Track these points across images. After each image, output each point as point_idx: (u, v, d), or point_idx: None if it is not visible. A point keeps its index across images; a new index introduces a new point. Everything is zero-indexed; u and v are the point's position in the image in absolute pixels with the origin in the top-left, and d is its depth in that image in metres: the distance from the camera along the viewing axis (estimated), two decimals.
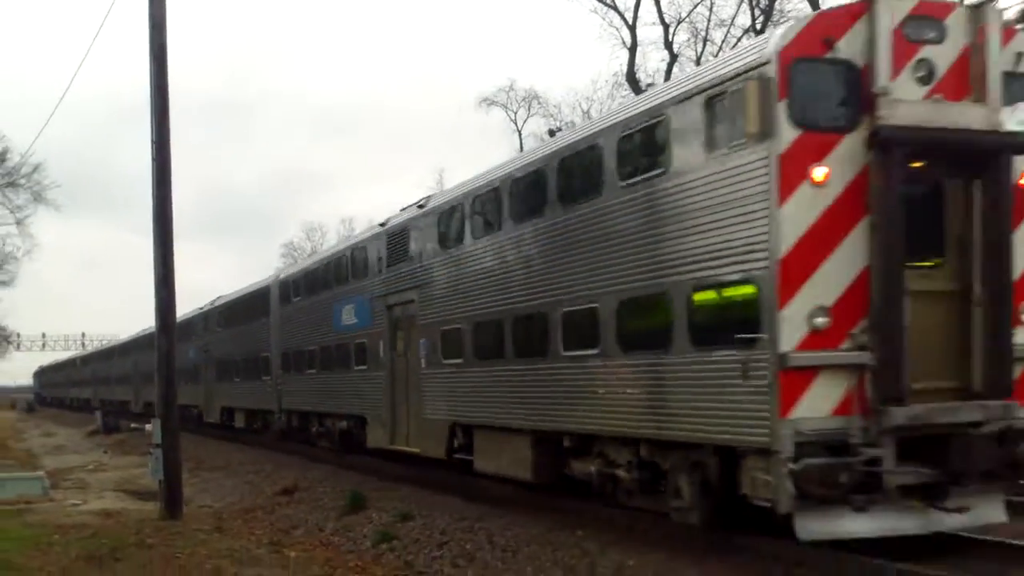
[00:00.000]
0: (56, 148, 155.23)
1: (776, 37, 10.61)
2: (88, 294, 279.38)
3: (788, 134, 10.24)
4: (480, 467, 17.82)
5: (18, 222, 63.60)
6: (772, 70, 10.25)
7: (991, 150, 10.47)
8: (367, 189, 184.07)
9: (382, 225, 22.72)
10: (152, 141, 18.94)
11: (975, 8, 10.70)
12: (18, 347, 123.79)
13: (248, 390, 34.80)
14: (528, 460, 16.03)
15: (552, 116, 60.00)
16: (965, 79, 10.63)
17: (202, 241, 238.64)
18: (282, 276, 31.56)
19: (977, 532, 11.41)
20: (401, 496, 20.25)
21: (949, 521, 10.77)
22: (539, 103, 58.62)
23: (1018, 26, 11.60)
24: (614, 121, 13.36)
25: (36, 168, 58.70)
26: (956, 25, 10.65)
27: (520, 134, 59.50)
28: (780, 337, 10.23)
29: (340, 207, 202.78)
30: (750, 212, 10.55)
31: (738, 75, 10.73)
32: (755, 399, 10.50)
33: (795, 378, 10.21)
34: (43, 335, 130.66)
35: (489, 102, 58.24)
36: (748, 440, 10.64)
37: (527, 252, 15.38)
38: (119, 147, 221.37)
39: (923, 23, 10.56)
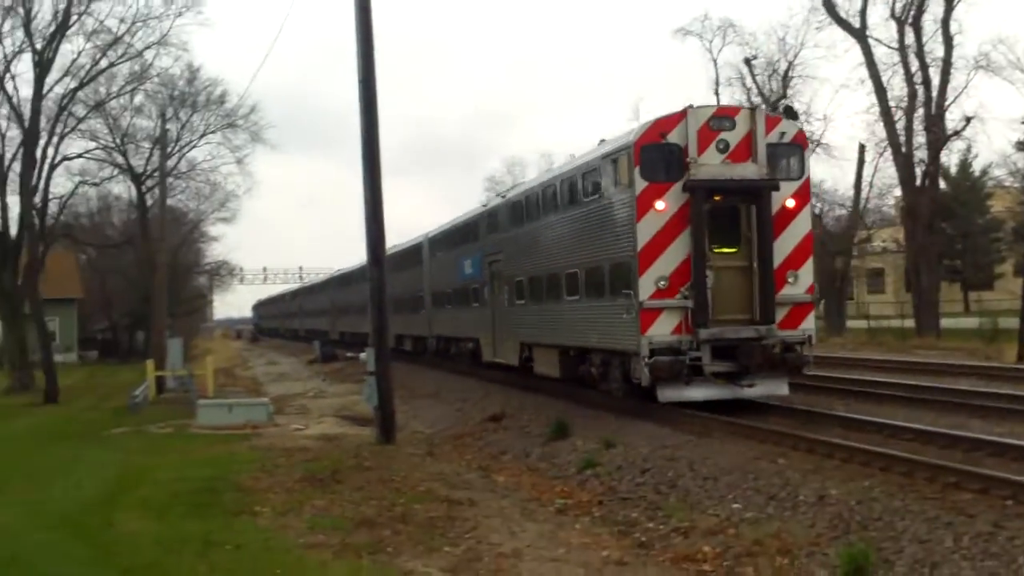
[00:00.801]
0: (270, 90, 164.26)
1: (633, 133, 20.35)
2: (304, 229, 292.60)
3: (640, 184, 19.70)
4: (537, 370, 27.22)
5: (238, 161, 67.72)
6: (631, 151, 19.91)
7: (760, 189, 19.86)
8: (565, 123, 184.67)
9: (484, 205, 32.94)
10: (359, 80, 19.96)
11: (751, 110, 20.67)
12: (242, 280, 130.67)
13: (411, 321, 44.73)
14: (556, 364, 25.54)
15: (747, 44, 58.04)
16: (746, 149, 19.95)
17: (410, 175, 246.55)
18: (430, 235, 41.08)
19: (770, 400, 20.68)
20: (603, 424, 20.72)
21: (747, 392, 19.94)
22: (734, 32, 57.69)
23: (781, 115, 21.91)
24: (580, 163, 23.38)
25: (252, 109, 61.86)
26: (741, 119, 20.14)
27: (716, 63, 58.75)
28: (640, 292, 19.52)
29: (539, 142, 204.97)
30: (626, 225, 20.07)
31: (619, 150, 20.61)
32: (631, 325, 19.87)
33: (649, 314, 19.47)
34: (264, 269, 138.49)
35: (684, 32, 58.19)
36: (630, 348, 20.04)
37: (547, 235, 25.35)
38: (329, 87, 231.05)
39: (722, 119, 20.05)
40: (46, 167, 45.08)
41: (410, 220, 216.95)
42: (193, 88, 56.86)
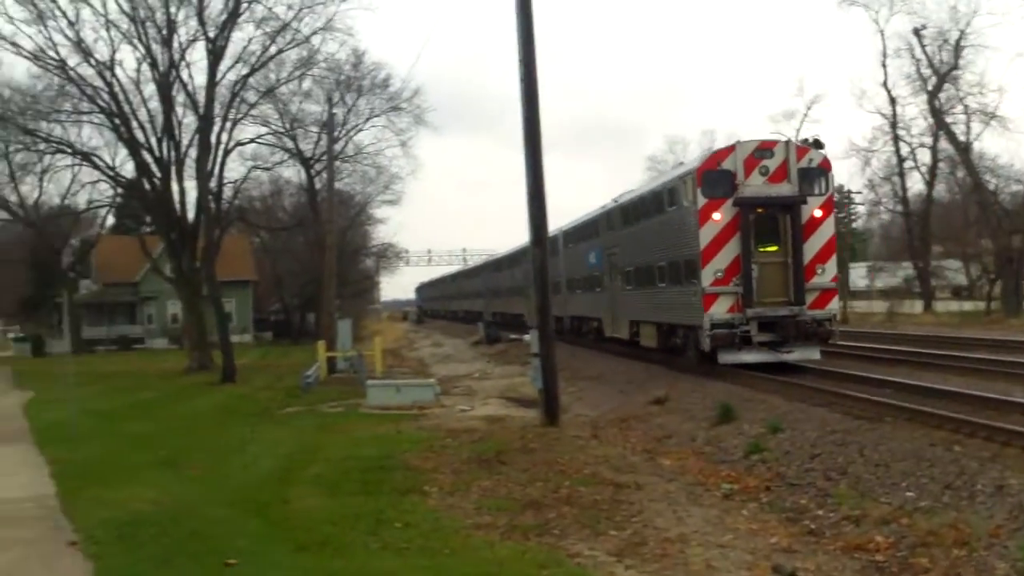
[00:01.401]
0: (433, 73, 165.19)
1: (695, 161, 29.09)
2: (468, 210, 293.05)
3: (701, 200, 27.02)
4: (643, 343, 34.52)
5: (402, 144, 68.79)
6: (695, 175, 27.46)
7: (793, 202, 26.98)
8: (729, 99, 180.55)
9: (603, 208, 40.08)
10: (520, 60, 20.14)
11: (786, 143, 28.12)
12: (407, 262, 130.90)
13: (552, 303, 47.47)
14: (655, 337, 32.97)
15: (916, 14, 55.89)
16: (783, 173, 27.27)
17: (572, 153, 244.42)
18: (564, 229, 47.40)
19: (805, 363, 26.72)
20: (769, 408, 20.56)
21: (786, 357, 26.62)
22: (903, 1, 54.94)
23: (810, 146, 29.54)
24: (663, 182, 32.22)
25: (415, 92, 62.61)
26: (779, 150, 27.54)
27: (883, 35, 56.91)
28: (703, 280, 26.79)
29: (702, 118, 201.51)
30: (692, 231, 27.46)
31: (687, 174, 28.61)
32: (697, 305, 27.18)
33: (710, 297, 26.66)
34: (428, 251, 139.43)
35: (850, 2, 56.29)
36: (696, 323, 27.44)
37: (645, 235, 33.14)
38: (491, 67, 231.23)
39: (763, 150, 27.42)
40: (220, 152, 46.94)
41: (574, 199, 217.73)
42: (358, 72, 58.23)
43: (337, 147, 54.94)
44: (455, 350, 56.32)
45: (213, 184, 46.92)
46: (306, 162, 61.96)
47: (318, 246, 55.90)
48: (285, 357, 54.46)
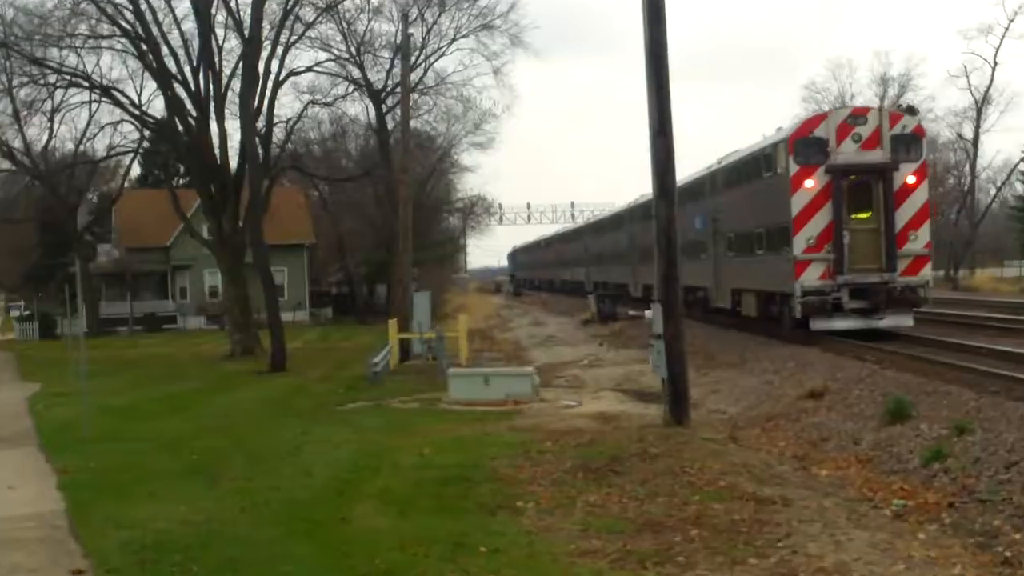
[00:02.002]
0: None
1: (787, 130, 35.89)
2: (577, 155, 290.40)
3: (794, 168, 33.92)
4: (743, 313, 40.79)
5: (495, 72, 68.30)
6: (786, 142, 34.51)
7: (885, 169, 33.37)
8: (905, 12, 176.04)
9: (707, 168, 46.77)
10: None
11: (879, 109, 35.91)
12: (501, 220, 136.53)
13: (650, 271, 53.21)
14: (754, 306, 39.34)
15: None
16: (876, 140, 33.64)
17: (707, 86, 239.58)
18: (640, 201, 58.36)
19: (898, 330, 33.22)
20: (954, 402, 20.37)
21: (879, 323, 33.13)
22: None
23: (904, 111, 39.17)
24: (758, 148, 38.54)
25: (512, 5, 62.50)
26: (872, 116, 34.11)
27: None
28: (794, 247, 33.60)
29: (872, 37, 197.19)
30: (785, 198, 34.24)
31: (780, 141, 35.42)
32: (789, 272, 33.89)
33: (801, 264, 33.41)
34: (528, 206, 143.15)
35: None
36: (787, 290, 34.44)
37: (743, 201, 39.77)
38: None
39: (857, 117, 34.17)
40: (270, 84, 47.67)
41: (709, 141, 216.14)
42: None
43: (414, 76, 55.54)
44: (560, 330, 56.86)
45: (261, 124, 47.66)
46: (376, 95, 62.75)
47: (390, 201, 56.50)
48: (348, 339, 55.19)
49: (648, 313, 23.51)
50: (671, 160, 21.42)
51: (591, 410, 25.00)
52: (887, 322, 32.94)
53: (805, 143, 33.89)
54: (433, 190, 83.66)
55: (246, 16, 45.29)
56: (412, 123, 49.62)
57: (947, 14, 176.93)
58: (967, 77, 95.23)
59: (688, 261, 45.99)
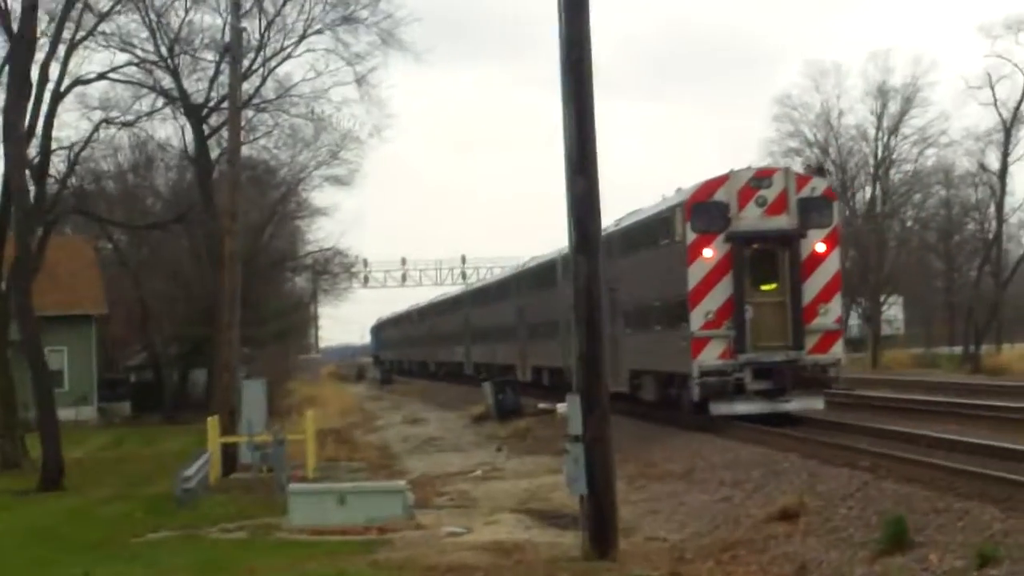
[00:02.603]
0: None
1: (685, 193, 42.92)
2: (471, 196, 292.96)
3: (691, 235, 40.87)
4: (643, 397, 47.38)
5: (359, 80, 66.40)
6: (683, 207, 41.73)
7: (792, 236, 40.24)
8: (910, 3, 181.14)
9: (604, 229, 42.98)
10: None
11: (785, 171, 44.41)
12: (366, 282, 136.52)
13: (547, 350, 65.79)
14: (653, 389, 46.16)
15: None
16: (781, 204, 40.62)
17: (651, 98, 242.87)
18: (564, 252, 52.44)
19: (807, 415, 40.51)
20: (970, 521, 20.48)
21: (786, 407, 39.92)
22: None
23: (812, 173, 52.67)
24: (653, 212, 46.82)
25: None
26: (777, 178, 41.61)
27: None
28: (692, 323, 40.58)
29: (868, 33, 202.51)
30: (681, 269, 41.23)
31: (674, 207, 43.04)
32: (686, 350, 40.79)
33: (699, 342, 40.21)
34: (403, 262, 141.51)
35: None
36: (685, 370, 41.26)
37: (640, 270, 47.21)
38: None
39: (761, 179, 41.36)
40: (47, 96, 46.40)
41: (651, 175, 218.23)
42: None
43: (248, 86, 55.02)
44: (444, 429, 57.39)
45: (34, 150, 46.52)
46: (195, 112, 62.14)
47: (212, 256, 55.71)
48: (152, 444, 54.45)
49: (561, 407, 23.12)
50: (594, 202, 21.65)
51: (485, 539, 24.98)
52: (795, 405, 39.08)
53: (704, 208, 40.04)
54: (273, 241, 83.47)
55: (14, 4, 44.15)
56: (245, 149, 49.16)
57: (965, 4, 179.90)
58: (991, 88, 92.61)
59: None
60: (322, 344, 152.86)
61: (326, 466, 39.83)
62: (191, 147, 66.58)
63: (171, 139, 72.58)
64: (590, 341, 21.74)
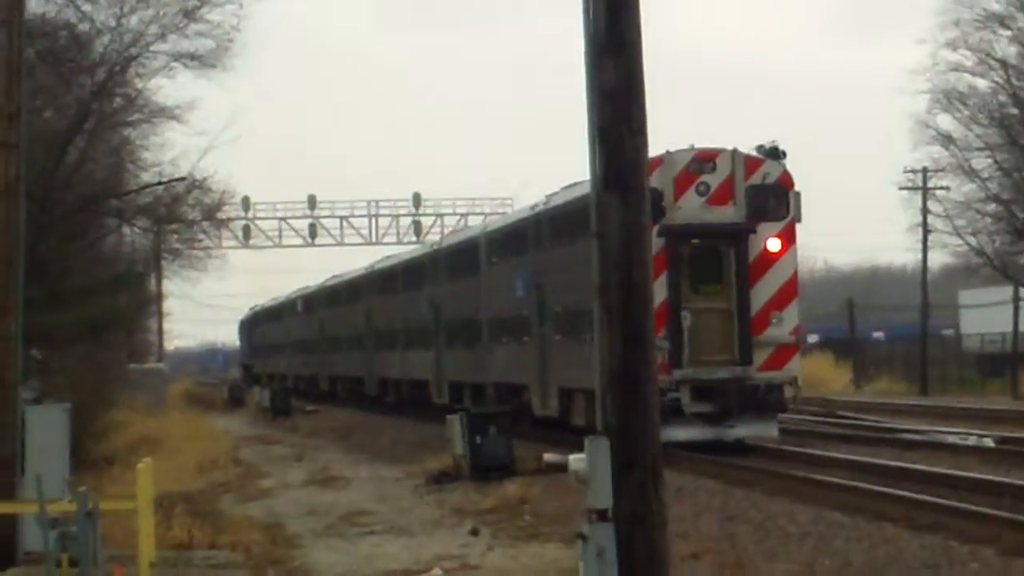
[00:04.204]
0: None
1: None
2: (417, 100, 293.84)
3: None
4: (574, 422, 65.53)
5: None
6: None
7: (739, 231, 60.53)
8: None
9: (532, 207, 74.40)
10: None
11: (732, 152, 62.80)
12: (246, 236, 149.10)
13: (468, 360, 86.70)
14: (584, 412, 63.89)
15: None
16: (726, 193, 61.22)
17: None
18: (488, 229, 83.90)
19: (758, 442, 62.96)
20: None
21: (731, 433, 60.96)
22: None
23: (765, 155, 64.30)
24: (575, 195, 64.08)
25: None
26: (722, 161, 61.83)
27: None
28: None
29: None
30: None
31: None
32: None
33: None
34: (311, 202, 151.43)
35: None
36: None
37: (566, 265, 66.45)
38: None
39: (703, 162, 61.78)
40: None
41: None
42: None
43: None
44: (379, 496, 58.45)
45: None
46: None
47: None
48: None
49: (574, 461, 22.91)
50: (635, 102, 21.84)
51: None
52: (742, 431, 50.84)
53: None
54: (85, 165, 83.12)
55: None
56: (33, 3, 49.09)
57: None
58: None
59: (507, 345, 76.11)
60: (171, 345, 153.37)
61: (172, 558, 39.97)
62: None
63: None
64: (629, 348, 21.93)
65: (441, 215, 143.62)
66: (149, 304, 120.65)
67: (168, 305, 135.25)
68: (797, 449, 60.14)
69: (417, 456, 66.22)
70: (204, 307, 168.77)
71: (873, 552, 36.15)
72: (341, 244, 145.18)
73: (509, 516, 48.31)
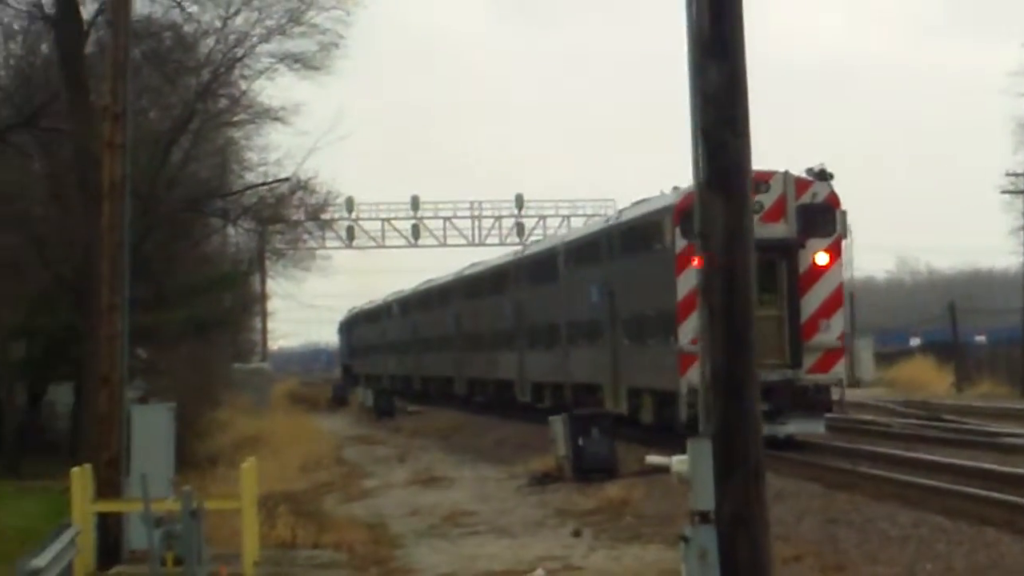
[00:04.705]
0: None
1: (674, 196, 73.68)
2: (523, 100, 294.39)
3: (680, 243, 68.28)
4: (642, 420, 74.18)
5: None
6: (672, 212, 71.54)
7: (790, 246, 66.38)
8: None
9: (606, 220, 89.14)
10: None
11: (784, 174, 68.90)
12: (350, 237, 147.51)
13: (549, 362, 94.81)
14: (652, 409, 74.75)
15: None
16: (779, 211, 67.23)
17: None
18: (567, 240, 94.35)
19: (807, 438, 68.18)
20: None
21: (782, 430, 64.34)
22: None
23: (814, 177, 72.01)
24: (643, 211, 78.41)
25: None
26: (775, 183, 67.68)
27: None
28: (680, 337, 67.75)
29: None
30: (669, 279, 69.26)
31: (664, 210, 73.56)
32: (674, 367, 68.72)
33: (688, 358, 64.97)
34: (415, 204, 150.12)
35: None
36: (673, 388, 69.02)
37: (637, 275, 75.83)
38: None
39: (757, 183, 60.25)
40: None
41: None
42: None
43: None
44: (482, 496, 58.53)
45: None
46: None
47: (85, 189, 56.04)
48: None
49: (676, 462, 22.88)
50: (738, 101, 21.97)
51: None
52: (792, 428, 53.72)
53: (691, 212, 46.84)
54: (190, 165, 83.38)
55: None
56: (141, 4, 49.26)
57: None
58: None
59: (583, 348, 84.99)
60: (275, 345, 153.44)
61: (276, 557, 40.19)
62: (48, 2, 67.09)
63: None
64: (730, 347, 21.99)
65: (543, 217, 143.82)
66: (253, 304, 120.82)
67: (272, 305, 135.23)
68: (899, 452, 60.69)
69: (520, 457, 66.22)
70: (307, 307, 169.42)
71: (974, 556, 36.64)
72: (444, 245, 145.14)
73: (611, 517, 48.33)
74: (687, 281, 51.67)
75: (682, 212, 53.06)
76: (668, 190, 79.21)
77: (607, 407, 71.67)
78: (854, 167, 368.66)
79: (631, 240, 66.42)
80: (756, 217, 42.05)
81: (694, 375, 50.01)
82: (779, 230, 50.98)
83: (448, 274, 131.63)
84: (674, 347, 52.12)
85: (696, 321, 48.70)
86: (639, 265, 63.99)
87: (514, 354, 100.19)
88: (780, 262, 51.41)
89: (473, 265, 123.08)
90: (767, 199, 51.62)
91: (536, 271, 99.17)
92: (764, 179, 53.07)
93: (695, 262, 45.32)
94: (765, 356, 48.43)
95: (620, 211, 69.36)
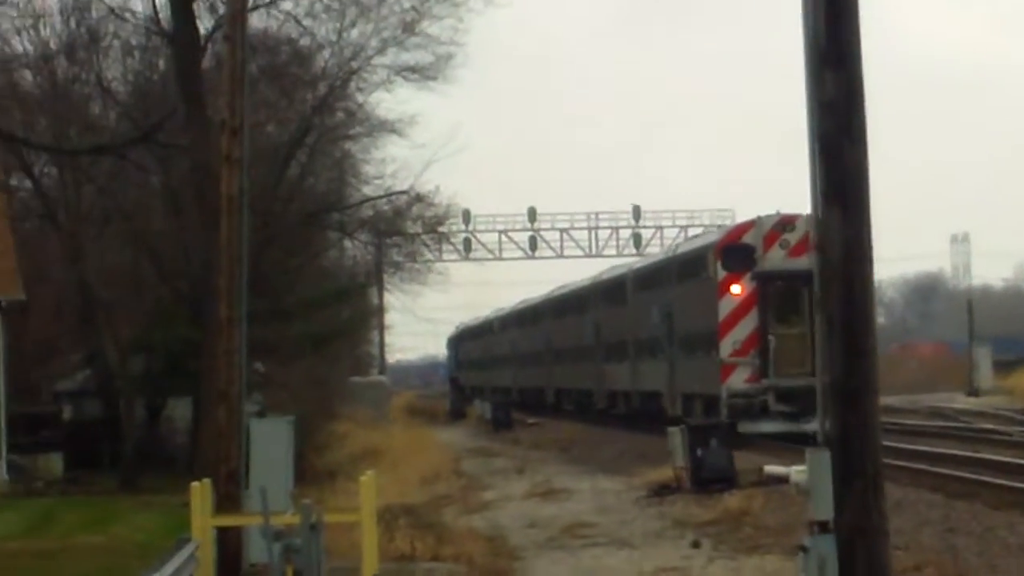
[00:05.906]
0: None
1: (717, 234, 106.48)
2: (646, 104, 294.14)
3: (721, 274, 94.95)
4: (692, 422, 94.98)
5: None
6: (714, 249, 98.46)
7: (812, 277, 65.49)
8: None
9: (666, 253, 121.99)
10: None
11: (807, 216, 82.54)
12: (467, 249, 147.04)
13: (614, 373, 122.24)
14: (701, 412, 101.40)
15: None
16: (804, 247, 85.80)
17: None
18: (635, 268, 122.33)
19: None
20: None
21: (806, 427, 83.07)
22: None
23: None
24: (690, 248, 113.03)
25: None
26: (801, 224, 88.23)
27: None
28: (722, 351, 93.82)
29: None
30: (712, 303, 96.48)
31: (708, 247, 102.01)
32: (716, 375, 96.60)
33: (728, 367, 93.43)
34: (531, 216, 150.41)
35: None
36: (716, 392, 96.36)
37: (687, 300, 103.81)
38: None
39: (786, 224, 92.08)
40: None
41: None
42: None
43: None
44: (601, 508, 58.30)
45: None
46: None
47: (202, 205, 56.15)
48: (97, 528, 54.74)
49: (795, 473, 22.79)
50: (857, 113, 21.78)
51: None
52: (815, 426, 50.51)
53: (733, 249, 69.39)
54: (306, 179, 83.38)
55: None
56: (257, 18, 49.41)
57: None
58: None
59: (648, 361, 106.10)
60: (392, 358, 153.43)
61: (395, 570, 40.15)
62: (166, 19, 67.25)
63: (135, 5, 73.31)
64: (848, 357, 21.47)
65: (660, 227, 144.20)
66: (371, 317, 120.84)
67: (390, 318, 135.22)
68: (1020, 461, 61.58)
69: (639, 468, 66.35)
70: (425, 320, 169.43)
71: None
72: (560, 256, 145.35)
73: (730, 528, 48.16)
74: (727, 305, 66.51)
75: (723, 248, 66.41)
76: (781, 204, 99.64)
77: (666, 411, 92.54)
78: (975, 175, 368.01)
79: (684, 270, 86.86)
80: (783, 252, 64.04)
81: (735, 380, 69.60)
82: (803, 263, 62.29)
83: (582, 280, 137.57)
84: (716, 359, 65.63)
85: (735, 336, 70.92)
86: (690, 291, 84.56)
87: (593, 366, 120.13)
88: (803, 290, 66.15)
89: (612, 268, 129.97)
90: (793, 237, 65.17)
91: (610, 295, 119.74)
92: (791, 221, 69.95)
93: (733, 289, 68.52)
94: (791, 366, 67.28)
95: (676, 245, 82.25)
